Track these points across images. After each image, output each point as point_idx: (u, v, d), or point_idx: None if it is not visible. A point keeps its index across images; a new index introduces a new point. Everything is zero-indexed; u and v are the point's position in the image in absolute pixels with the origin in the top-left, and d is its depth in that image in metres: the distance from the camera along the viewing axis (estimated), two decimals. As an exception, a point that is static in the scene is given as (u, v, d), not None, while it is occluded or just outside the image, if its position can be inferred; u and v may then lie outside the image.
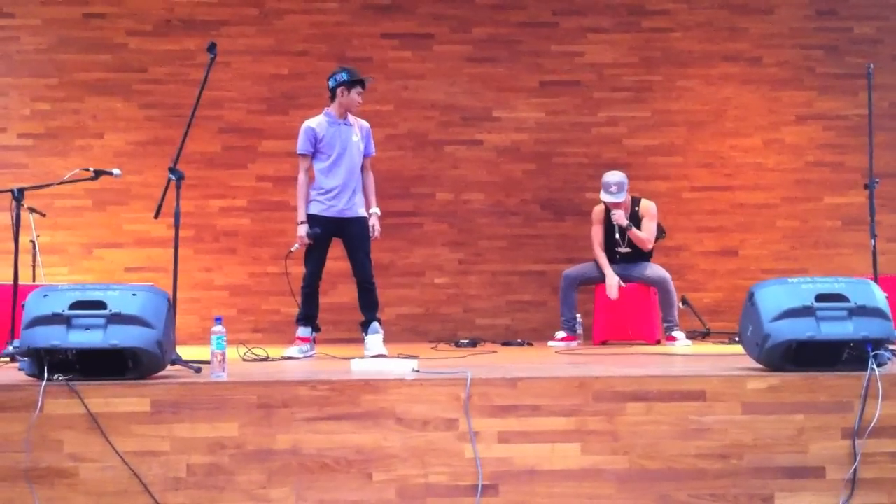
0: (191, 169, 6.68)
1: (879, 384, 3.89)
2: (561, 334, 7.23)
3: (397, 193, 8.78)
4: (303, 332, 6.07)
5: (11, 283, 5.57)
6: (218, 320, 4.22)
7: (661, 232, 7.49)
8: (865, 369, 3.93)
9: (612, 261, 7.40)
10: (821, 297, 4.10)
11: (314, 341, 6.13)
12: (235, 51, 8.65)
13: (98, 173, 5.97)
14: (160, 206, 5.12)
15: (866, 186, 6.02)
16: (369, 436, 3.84)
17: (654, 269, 7.34)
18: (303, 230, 5.93)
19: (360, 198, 6.11)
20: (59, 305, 3.92)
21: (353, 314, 8.62)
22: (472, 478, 3.81)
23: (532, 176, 8.87)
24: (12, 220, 5.63)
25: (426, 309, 8.78)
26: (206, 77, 5.28)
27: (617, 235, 7.32)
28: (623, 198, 7.24)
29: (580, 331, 7.53)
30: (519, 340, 7.36)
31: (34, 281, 7.35)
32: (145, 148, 8.64)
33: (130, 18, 8.77)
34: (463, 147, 8.83)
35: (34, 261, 7.55)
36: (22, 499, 3.71)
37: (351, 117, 6.11)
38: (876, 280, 5.22)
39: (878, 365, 3.97)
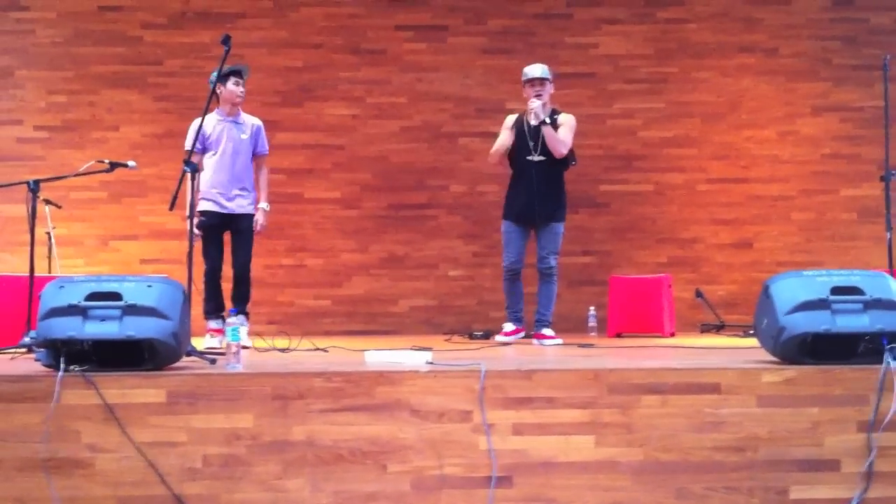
0: (206, 161, 6.69)
1: (895, 377, 3.87)
2: (509, 327, 6.72)
3: (412, 186, 8.79)
4: (215, 324, 6.17)
5: (28, 274, 5.60)
6: (233, 312, 4.24)
7: (573, 157, 6.74)
8: (881, 362, 3.92)
9: (522, 175, 6.58)
10: (836, 290, 4.09)
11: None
12: (250, 43, 8.66)
13: (113, 165, 5.99)
14: (175, 198, 5.13)
15: (882, 178, 5.99)
16: (384, 427, 3.85)
17: (552, 240, 6.61)
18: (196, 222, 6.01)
19: (249, 195, 6.31)
20: (76, 297, 3.94)
21: (366, 306, 8.70)
22: (486, 469, 3.82)
23: (546, 168, 8.87)
24: (28, 211, 5.65)
25: (440, 301, 8.78)
26: (220, 69, 5.30)
27: (530, 142, 6.59)
28: (546, 77, 6.59)
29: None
30: (533, 333, 7.33)
31: (50, 272, 7.38)
32: (160, 140, 8.67)
33: (145, 11, 8.79)
34: (477, 139, 8.80)
35: (50, 252, 7.58)
36: (39, 489, 3.73)
37: (242, 115, 6.28)
38: (892, 273, 5.19)
39: (894, 358, 3.95)
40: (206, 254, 6.18)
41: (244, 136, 6.25)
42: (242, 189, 6.27)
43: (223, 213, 6.19)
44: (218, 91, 6.15)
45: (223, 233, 6.26)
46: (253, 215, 6.34)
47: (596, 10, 9.01)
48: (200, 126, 5.56)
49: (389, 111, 8.89)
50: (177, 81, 8.73)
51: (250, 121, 6.36)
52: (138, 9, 8.78)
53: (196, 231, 5.97)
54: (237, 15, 8.81)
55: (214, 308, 6.19)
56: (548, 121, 6.56)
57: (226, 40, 5.17)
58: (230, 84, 6.16)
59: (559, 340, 6.45)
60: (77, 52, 8.73)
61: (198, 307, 6.44)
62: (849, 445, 3.89)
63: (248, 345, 5.80)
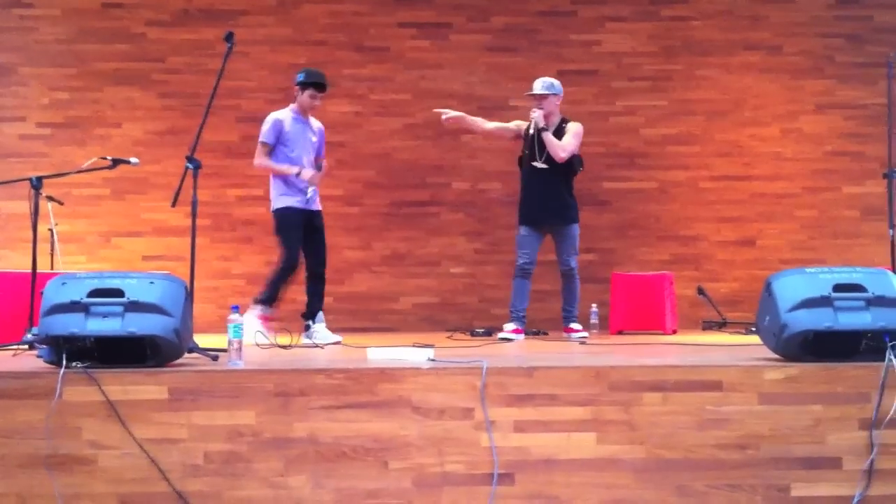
0: (208, 158, 6.71)
1: (898, 375, 3.87)
2: (510, 326, 6.70)
3: (414, 183, 8.79)
4: (270, 313, 6.31)
5: (30, 271, 5.60)
6: (235, 309, 4.24)
7: (579, 163, 6.81)
8: (883, 360, 3.91)
9: (529, 181, 6.76)
10: (839, 287, 4.08)
11: None
12: (253, 40, 8.66)
13: (116, 162, 6.00)
14: (177, 195, 5.14)
15: (885, 176, 5.98)
16: (386, 424, 3.84)
17: (568, 243, 6.76)
18: (307, 172, 6.23)
19: (317, 193, 6.45)
20: (78, 293, 3.94)
21: (368, 303, 8.70)
22: (488, 467, 3.82)
23: (549, 165, 8.85)
24: (31, 208, 5.65)
25: (442, 298, 8.79)
26: (223, 66, 5.30)
27: (536, 150, 6.72)
28: (548, 92, 6.73)
29: (594, 321, 7.52)
30: (535, 330, 7.34)
31: (52, 269, 7.39)
32: (163, 137, 8.67)
33: (149, 8, 8.80)
34: (480, 137, 8.80)
35: (52, 249, 7.59)
36: (41, 486, 3.73)
37: (310, 118, 6.44)
38: (894, 270, 5.19)
39: (897, 356, 3.95)
40: (297, 250, 6.28)
41: (314, 139, 6.43)
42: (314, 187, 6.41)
43: (305, 210, 6.29)
44: (296, 93, 6.33)
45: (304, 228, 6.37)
46: (322, 212, 6.50)
47: (600, 7, 9.00)
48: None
49: (392, 108, 8.89)
50: (180, 78, 8.74)
51: (317, 125, 6.53)
52: (142, 6, 8.79)
53: (315, 180, 6.25)
54: (240, 12, 8.81)
55: (277, 300, 6.34)
56: (547, 129, 6.69)
57: (229, 37, 5.17)
58: (306, 95, 6.31)
59: (586, 333, 6.78)
60: (80, 49, 8.74)
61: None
62: (851, 443, 3.89)
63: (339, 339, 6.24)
